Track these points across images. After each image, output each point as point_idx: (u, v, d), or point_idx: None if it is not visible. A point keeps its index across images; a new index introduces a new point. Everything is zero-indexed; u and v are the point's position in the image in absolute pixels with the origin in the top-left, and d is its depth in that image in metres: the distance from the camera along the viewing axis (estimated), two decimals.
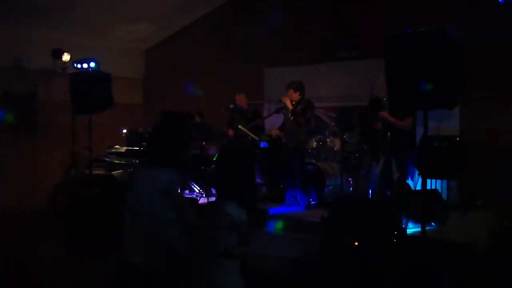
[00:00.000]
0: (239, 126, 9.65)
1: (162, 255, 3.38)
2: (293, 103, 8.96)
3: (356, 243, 5.84)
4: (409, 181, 8.50)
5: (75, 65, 10.70)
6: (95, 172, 9.89)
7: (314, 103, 9.13)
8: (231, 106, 10.09)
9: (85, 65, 10.51)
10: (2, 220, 9.14)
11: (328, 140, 9.87)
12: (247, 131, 9.60)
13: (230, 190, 3.73)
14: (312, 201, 9.07)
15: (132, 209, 3.49)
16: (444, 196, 8.34)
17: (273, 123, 10.35)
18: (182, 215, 3.38)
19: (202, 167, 9.91)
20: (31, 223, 9.18)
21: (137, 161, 10.17)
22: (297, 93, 8.95)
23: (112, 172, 9.53)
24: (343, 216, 6.47)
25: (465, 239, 6.39)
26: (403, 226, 6.65)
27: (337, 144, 9.65)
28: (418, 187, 8.12)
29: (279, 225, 7.17)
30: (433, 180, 8.42)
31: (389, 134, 7.87)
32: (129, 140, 11.25)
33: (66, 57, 11.10)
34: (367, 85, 8.83)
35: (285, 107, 9.24)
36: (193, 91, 11.41)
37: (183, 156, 3.59)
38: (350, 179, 9.55)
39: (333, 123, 9.55)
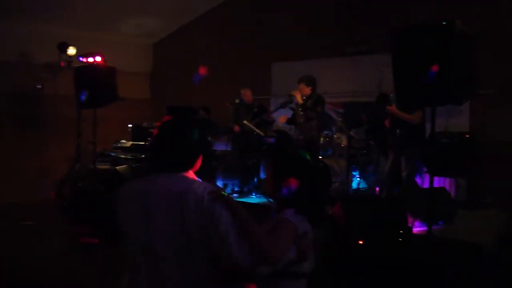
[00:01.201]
0: (244, 122, 9.56)
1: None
2: (304, 97, 8.86)
3: (361, 242, 5.73)
4: (418, 178, 8.37)
5: (80, 59, 10.63)
6: (100, 166, 9.84)
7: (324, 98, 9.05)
8: (237, 101, 10.01)
9: (90, 59, 10.44)
10: (8, 214, 9.14)
11: (335, 136, 9.75)
12: (252, 127, 9.50)
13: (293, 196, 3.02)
14: None
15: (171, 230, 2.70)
16: (452, 194, 8.20)
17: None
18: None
19: (207, 162, 9.79)
20: (37, 216, 9.18)
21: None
22: (309, 88, 8.87)
23: (117, 167, 9.46)
24: (348, 213, 6.36)
25: (472, 238, 6.25)
26: (410, 225, 6.54)
27: (344, 140, 9.52)
28: (426, 184, 7.99)
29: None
30: (442, 177, 8.29)
31: (398, 130, 7.76)
32: (134, 134, 11.18)
33: (71, 51, 11.04)
34: (375, 80, 8.72)
35: (293, 101, 9.15)
36: (199, 79, 11.26)
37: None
38: (357, 176, 9.45)
39: (340, 119, 9.42)
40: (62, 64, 11.22)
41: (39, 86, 11.39)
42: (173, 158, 2.88)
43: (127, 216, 2.85)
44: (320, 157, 9.39)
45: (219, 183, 10.20)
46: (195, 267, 2.67)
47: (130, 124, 11.44)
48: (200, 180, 2.82)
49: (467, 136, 8.19)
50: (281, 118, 9.42)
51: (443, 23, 5.00)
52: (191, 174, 2.89)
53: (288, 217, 2.92)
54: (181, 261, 2.67)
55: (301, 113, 8.90)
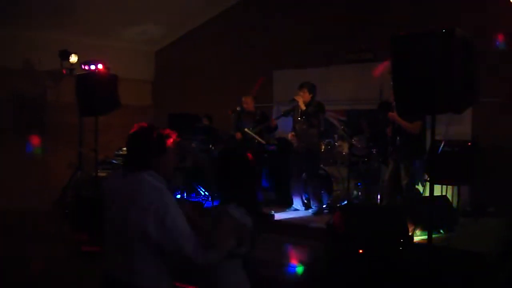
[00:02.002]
0: (246, 130, 9.53)
1: (162, 269, 3.21)
2: (305, 103, 8.84)
3: (361, 251, 5.70)
4: (419, 187, 8.33)
5: (82, 66, 10.66)
6: (102, 174, 9.82)
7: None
8: (238, 108, 9.98)
9: (92, 67, 10.46)
10: (9, 221, 9.14)
11: (336, 144, 9.73)
12: (254, 134, 9.47)
13: (231, 192, 3.53)
14: (324, 207, 8.94)
15: (120, 221, 3.19)
16: (454, 202, 8.17)
17: (283, 126, 10.24)
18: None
19: (209, 170, 9.84)
20: (38, 224, 9.17)
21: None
22: (310, 95, 8.84)
23: None
24: (348, 222, 6.33)
25: (474, 247, 6.21)
26: (411, 233, 6.50)
27: (345, 148, 9.50)
28: (427, 193, 7.95)
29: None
30: (443, 186, 8.26)
31: (398, 138, 7.73)
32: None
33: (73, 58, 11.05)
34: (377, 88, 8.70)
35: (294, 109, 9.12)
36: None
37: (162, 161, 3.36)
38: (358, 183, 9.42)
39: (342, 127, 9.40)
40: (64, 71, 11.23)
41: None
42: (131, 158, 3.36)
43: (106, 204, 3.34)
44: (321, 164, 9.36)
45: None
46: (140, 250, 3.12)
47: None
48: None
49: (469, 144, 8.17)
50: (290, 135, 9.38)
51: (444, 30, 4.96)
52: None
53: (228, 210, 3.33)
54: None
55: (302, 120, 8.87)
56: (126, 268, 3.14)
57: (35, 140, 10.29)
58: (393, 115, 7.60)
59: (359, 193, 9.33)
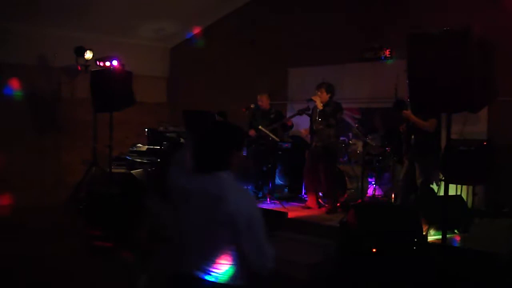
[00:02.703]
0: (260, 127, 9.53)
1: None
2: (322, 104, 8.82)
3: (374, 250, 5.67)
4: (434, 186, 8.28)
5: (97, 63, 10.69)
6: (116, 170, 9.87)
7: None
8: (252, 106, 9.98)
9: (107, 63, 10.50)
10: (24, 216, 9.19)
11: (351, 142, 9.71)
12: (268, 132, 9.47)
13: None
14: (338, 205, 8.93)
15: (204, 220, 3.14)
16: (469, 202, 8.10)
17: (298, 124, 10.23)
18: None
19: None
20: (53, 220, 9.22)
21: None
22: (328, 95, 8.82)
23: (132, 171, 9.49)
24: (361, 221, 6.29)
25: (489, 248, 6.17)
26: (425, 233, 6.46)
27: (359, 147, 9.47)
28: (442, 192, 7.91)
29: None
30: (458, 185, 8.20)
31: (413, 137, 7.69)
32: (150, 139, 11.20)
33: (88, 55, 11.08)
34: (392, 86, 8.65)
35: (309, 108, 9.11)
36: None
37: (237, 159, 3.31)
38: (372, 182, 9.39)
39: (357, 125, 9.36)
40: (79, 68, 11.28)
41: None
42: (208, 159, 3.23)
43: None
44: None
45: None
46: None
47: (147, 128, 11.46)
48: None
49: (485, 143, 8.10)
50: (303, 130, 9.36)
51: (460, 29, 4.93)
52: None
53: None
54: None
55: (320, 119, 8.84)
56: (209, 265, 3.10)
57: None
58: (408, 113, 7.56)
59: (374, 191, 9.30)
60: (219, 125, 3.36)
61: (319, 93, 8.84)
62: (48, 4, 10.36)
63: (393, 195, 8.49)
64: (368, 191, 9.34)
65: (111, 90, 9.32)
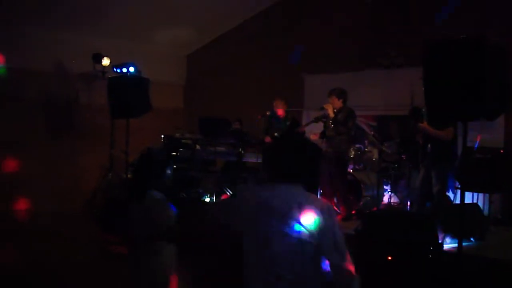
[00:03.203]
0: (275, 134, 9.53)
1: None
2: (335, 110, 8.79)
3: (390, 258, 5.65)
4: (450, 194, 8.24)
5: (114, 69, 10.76)
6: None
7: (355, 111, 8.97)
8: (268, 113, 9.98)
9: (124, 70, 10.56)
10: (41, 222, 9.26)
11: (366, 149, 9.68)
12: None
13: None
14: (353, 212, 8.90)
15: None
16: (486, 210, 8.06)
17: (313, 131, 10.22)
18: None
19: (238, 174, 9.89)
20: (69, 225, 9.27)
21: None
22: (340, 101, 8.79)
23: None
24: (377, 228, 6.28)
25: (506, 256, 6.13)
26: (440, 241, 6.42)
27: (375, 154, 9.44)
28: (458, 200, 7.87)
29: None
30: (475, 193, 8.15)
31: (429, 145, 7.66)
32: (166, 145, 11.23)
33: (106, 61, 11.17)
34: (408, 93, 8.63)
35: (325, 115, 9.09)
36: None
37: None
38: (388, 190, 9.36)
39: (372, 133, 9.34)
40: (96, 74, 11.36)
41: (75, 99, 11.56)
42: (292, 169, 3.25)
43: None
44: (351, 170, 9.33)
45: None
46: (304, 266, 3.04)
47: (163, 134, 11.50)
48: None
49: (502, 151, 8.06)
50: (312, 135, 9.35)
51: (476, 37, 4.93)
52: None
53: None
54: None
55: (332, 126, 8.83)
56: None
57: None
58: (424, 126, 7.54)
59: (389, 199, 9.27)
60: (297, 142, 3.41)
61: (330, 100, 8.82)
62: (66, 10, 10.45)
63: (409, 203, 8.45)
64: (384, 199, 9.31)
65: (128, 97, 9.39)
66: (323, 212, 3.06)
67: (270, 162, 3.32)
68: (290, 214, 3.04)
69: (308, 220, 3.01)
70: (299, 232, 3.01)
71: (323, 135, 9.16)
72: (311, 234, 3.01)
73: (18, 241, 8.14)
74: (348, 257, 3.07)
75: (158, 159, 4.40)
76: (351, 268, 3.07)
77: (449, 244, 6.68)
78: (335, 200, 9.12)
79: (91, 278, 6.69)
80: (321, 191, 9.42)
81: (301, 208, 3.05)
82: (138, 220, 4.19)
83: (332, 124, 8.80)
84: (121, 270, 6.87)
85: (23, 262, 7.14)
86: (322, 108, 8.95)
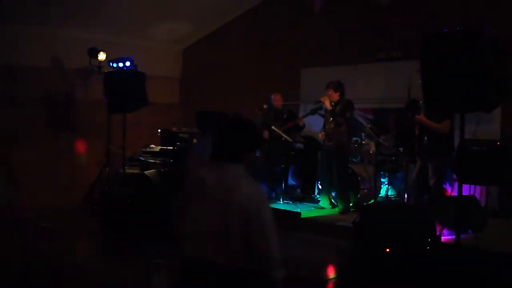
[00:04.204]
0: (273, 127, 9.54)
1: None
2: (332, 103, 8.81)
3: (387, 250, 5.66)
4: (447, 186, 8.26)
5: (110, 64, 10.73)
6: (129, 171, 9.91)
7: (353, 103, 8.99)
8: (265, 106, 9.99)
9: (120, 64, 10.53)
10: (38, 217, 9.26)
11: (363, 142, 9.70)
12: (281, 132, 9.48)
13: None
14: (351, 205, 8.93)
15: (209, 208, 3.26)
16: (483, 202, 8.08)
17: (311, 125, 10.25)
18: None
19: None
20: (67, 220, 9.28)
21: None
22: (337, 93, 8.82)
23: (146, 171, 9.53)
24: (374, 221, 6.29)
25: (504, 248, 6.14)
26: (438, 233, 6.45)
27: (372, 147, 9.45)
28: (455, 192, 7.88)
29: None
30: (472, 185, 8.17)
31: (426, 138, 7.67)
32: (163, 139, 11.23)
33: (102, 56, 11.12)
34: (406, 86, 8.64)
35: (322, 107, 9.11)
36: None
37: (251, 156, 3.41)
38: (385, 182, 9.38)
39: (369, 125, 9.35)
40: (92, 69, 11.34)
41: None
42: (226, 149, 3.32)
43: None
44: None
45: None
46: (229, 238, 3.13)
47: (160, 129, 11.50)
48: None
49: (498, 143, 8.07)
50: (321, 135, 9.37)
51: (473, 29, 4.93)
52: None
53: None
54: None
55: (330, 119, 8.85)
56: (222, 251, 3.17)
57: None
58: (420, 117, 7.56)
59: (387, 191, 9.29)
60: (242, 121, 3.39)
61: (328, 93, 8.85)
62: (61, 6, 10.43)
63: (406, 195, 8.47)
64: (381, 191, 9.32)
65: (124, 91, 9.37)
66: (251, 197, 3.14)
67: (214, 142, 3.38)
68: (219, 196, 3.17)
69: (237, 203, 3.10)
70: (227, 213, 3.12)
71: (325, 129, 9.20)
72: (238, 218, 3.10)
73: (16, 237, 8.14)
74: (274, 245, 3.13)
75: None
76: (276, 256, 3.13)
77: (446, 236, 6.71)
78: (333, 193, 9.15)
79: (90, 273, 6.71)
80: (319, 184, 9.47)
81: (230, 190, 3.15)
82: None
83: (330, 117, 8.82)
84: (120, 264, 6.97)
85: (20, 257, 7.15)
86: (319, 102, 8.98)
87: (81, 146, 11.56)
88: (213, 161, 3.34)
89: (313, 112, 9.42)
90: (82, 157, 11.54)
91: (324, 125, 9.21)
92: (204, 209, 3.26)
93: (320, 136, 9.34)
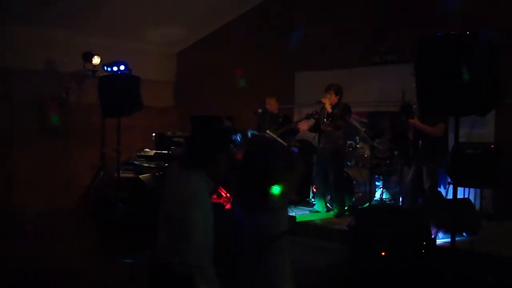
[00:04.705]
0: (267, 131, 9.54)
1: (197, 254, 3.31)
2: (331, 106, 8.85)
3: (383, 253, 5.68)
4: (442, 189, 8.28)
5: (105, 68, 10.72)
6: (124, 174, 9.89)
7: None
8: (260, 110, 10.00)
9: (115, 68, 10.53)
10: (33, 220, 9.26)
11: (358, 146, 9.72)
12: (276, 137, 9.47)
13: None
14: (346, 208, 8.95)
15: (167, 209, 3.46)
16: (477, 205, 8.11)
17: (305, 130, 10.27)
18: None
19: (230, 172, 9.86)
20: (62, 223, 9.29)
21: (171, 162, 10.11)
22: (337, 97, 8.86)
23: (140, 176, 9.53)
24: (369, 224, 6.31)
25: (498, 251, 6.17)
26: (433, 236, 6.46)
27: (367, 150, 9.48)
28: (450, 195, 7.90)
29: None
30: (466, 189, 8.20)
31: (420, 142, 7.70)
32: (158, 143, 11.22)
33: (96, 60, 11.10)
34: (400, 90, 8.66)
35: (317, 112, 9.14)
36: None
37: (216, 162, 3.48)
38: (380, 186, 9.39)
39: (364, 129, 9.37)
40: (86, 73, 11.32)
41: (64, 95, 11.48)
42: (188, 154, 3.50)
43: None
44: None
45: None
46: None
47: (154, 132, 11.49)
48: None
49: (492, 146, 8.11)
50: (303, 125, 9.40)
51: (468, 33, 4.95)
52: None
53: None
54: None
55: (328, 122, 8.87)
56: (176, 251, 3.29)
57: None
58: (414, 122, 7.59)
59: (381, 195, 9.30)
60: (205, 127, 3.57)
61: (328, 95, 8.88)
62: (56, 9, 10.39)
63: (400, 199, 8.49)
64: (376, 195, 9.34)
65: (118, 95, 9.34)
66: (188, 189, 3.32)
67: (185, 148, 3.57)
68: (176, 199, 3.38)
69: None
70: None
71: (314, 128, 9.22)
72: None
73: (12, 239, 8.14)
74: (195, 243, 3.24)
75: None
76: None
77: (441, 239, 6.73)
78: (328, 197, 9.17)
79: (85, 274, 6.71)
80: (314, 188, 9.48)
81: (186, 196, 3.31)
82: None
83: (329, 119, 8.84)
84: (117, 266, 6.96)
85: (16, 258, 7.15)
86: (319, 102, 8.99)
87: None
88: (180, 167, 3.47)
89: (308, 117, 9.44)
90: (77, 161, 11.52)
91: (318, 127, 9.21)
92: (166, 213, 3.46)
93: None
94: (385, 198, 9.30)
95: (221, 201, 9.75)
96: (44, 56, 11.20)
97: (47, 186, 10.69)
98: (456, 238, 5.47)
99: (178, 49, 14.34)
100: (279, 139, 9.40)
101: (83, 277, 6.61)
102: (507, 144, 8.31)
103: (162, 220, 3.48)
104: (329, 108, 8.84)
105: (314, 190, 9.55)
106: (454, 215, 5.66)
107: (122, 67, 10.50)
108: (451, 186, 6.93)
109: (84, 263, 7.20)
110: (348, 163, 9.74)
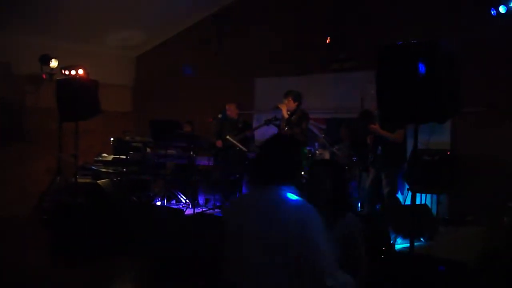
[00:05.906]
0: (227, 137, 9.54)
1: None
2: (288, 112, 8.84)
3: None
4: (399, 195, 8.39)
5: (62, 71, 10.57)
6: (81, 180, 9.75)
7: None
8: (219, 116, 9.98)
9: (73, 72, 10.39)
10: None
11: (317, 152, 9.76)
12: (235, 142, 9.48)
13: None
14: None
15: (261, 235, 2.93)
16: (434, 211, 8.24)
17: (264, 134, 10.25)
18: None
19: (189, 177, 9.86)
20: (17, 230, 9.08)
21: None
22: (295, 103, 8.84)
23: (98, 181, 9.41)
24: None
25: (454, 256, 6.26)
26: (392, 241, 6.54)
27: (326, 156, 9.52)
28: (408, 201, 8.01)
29: None
30: (423, 194, 8.32)
31: (379, 148, 7.78)
32: (116, 148, 11.10)
33: (53, 63, 10.95)
34: (358, 97, 8.75)
35: (277, 118, 9.14)
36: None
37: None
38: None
39: (323, 135, 9.43)
40: (44, 76, 11.13)
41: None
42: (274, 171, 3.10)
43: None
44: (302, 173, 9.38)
45: (201, 198, 10.16)
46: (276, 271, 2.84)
47: (112, 137, 11.36)
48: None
49: (448, 153, 8.26)
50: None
51: (427, 41, 5.03)
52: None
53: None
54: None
55: (286, 128, 8.88)
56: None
57: None
58: (375, 128, 7.66)
59: None
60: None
61: (286, 101, 8.86)
62: (13, 11, 10.22)
63: (359, 205, 8.56)
64: None
65: (76, 99, 9.21)
66: (306, 219, 2.86)
67: (257, 163, 3.20)
68: (270, 219, 2.91)
69: (289, 227, 2.83)
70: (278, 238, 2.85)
71: (217, 134, 9.29)
72: (290, 243, 2.82)
73: None
74: (336, 265, 2.89)
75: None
76: (343, 276, 2.90)
77: (400, 244, 6.81)
78: None
79: (40, 283, 6.58)
80: None
81: (280, 214, 2.89)
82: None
83: (286, 126, 8.85)
84: (73, 274, 6.85)
85: None
86: (277, 108, 8.98)
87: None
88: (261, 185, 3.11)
89: (267, 123, 9.43)
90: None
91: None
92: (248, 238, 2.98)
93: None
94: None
95: (180, 207, 9.72)
96: (0, 58, 10.98)
97: (2, 191, 10.46)
98: (415, 244, 5.56)
99: (137, 52, 14.24)
100: (239, 145, 9.43)
101: (38, 286, 6.48)
102: (463, 150, 8.49)
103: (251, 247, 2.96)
104: (285, 114, 8.84)
105: None
106: (412, 221, 5.73)
107: (80, 71, 10.37)
108: (409, 192, 7.04)
109: (39, 272, 7.06)
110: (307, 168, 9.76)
